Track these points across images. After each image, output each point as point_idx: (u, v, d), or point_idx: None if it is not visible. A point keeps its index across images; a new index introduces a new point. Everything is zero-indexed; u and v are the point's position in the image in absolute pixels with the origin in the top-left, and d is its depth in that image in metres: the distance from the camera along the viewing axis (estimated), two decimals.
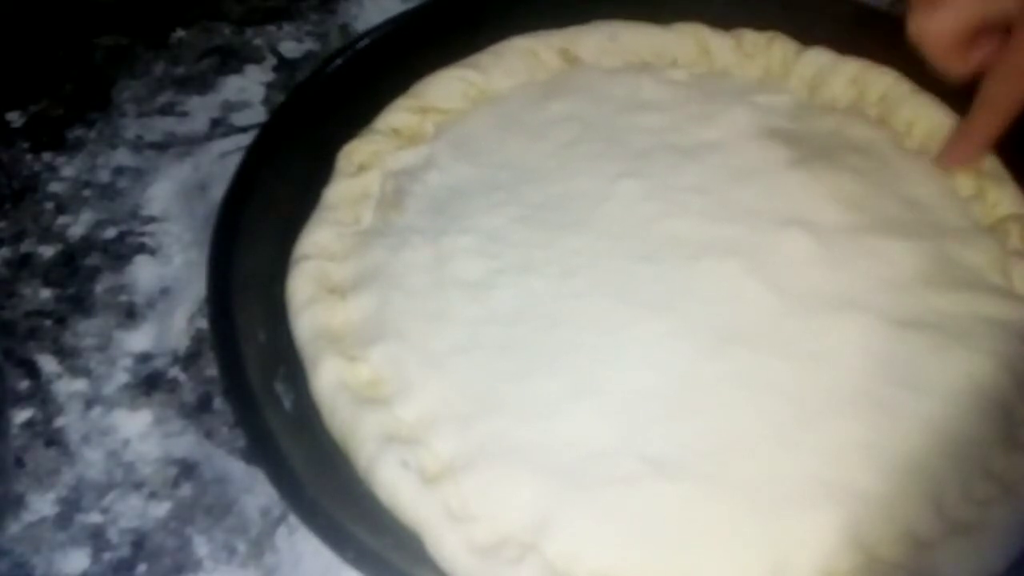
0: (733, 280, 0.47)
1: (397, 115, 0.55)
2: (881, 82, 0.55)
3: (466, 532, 0.40)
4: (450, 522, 0.40)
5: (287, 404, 0.45)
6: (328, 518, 0.40)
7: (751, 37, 0.57)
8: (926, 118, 0.53)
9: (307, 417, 0.44)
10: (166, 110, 0.61)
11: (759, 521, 0.40)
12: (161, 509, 0.45)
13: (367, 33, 0.57)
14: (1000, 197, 0.50)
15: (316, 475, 0.41)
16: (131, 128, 0.60)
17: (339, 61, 0.55)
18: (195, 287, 0.52)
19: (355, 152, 0.53)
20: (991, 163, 0.51)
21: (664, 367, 0.44)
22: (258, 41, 0.64)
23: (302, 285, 0.48)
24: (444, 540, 0.40)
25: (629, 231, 0.49)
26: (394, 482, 0.41)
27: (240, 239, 0.48)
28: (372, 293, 0.47)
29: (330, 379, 0.44)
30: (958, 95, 0.50)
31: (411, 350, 0.45)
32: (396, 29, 0.57)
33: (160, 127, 0.59)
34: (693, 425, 0.42)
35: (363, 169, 0.53)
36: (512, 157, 0.53)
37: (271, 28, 0.65)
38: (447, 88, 0.56)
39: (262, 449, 0.42)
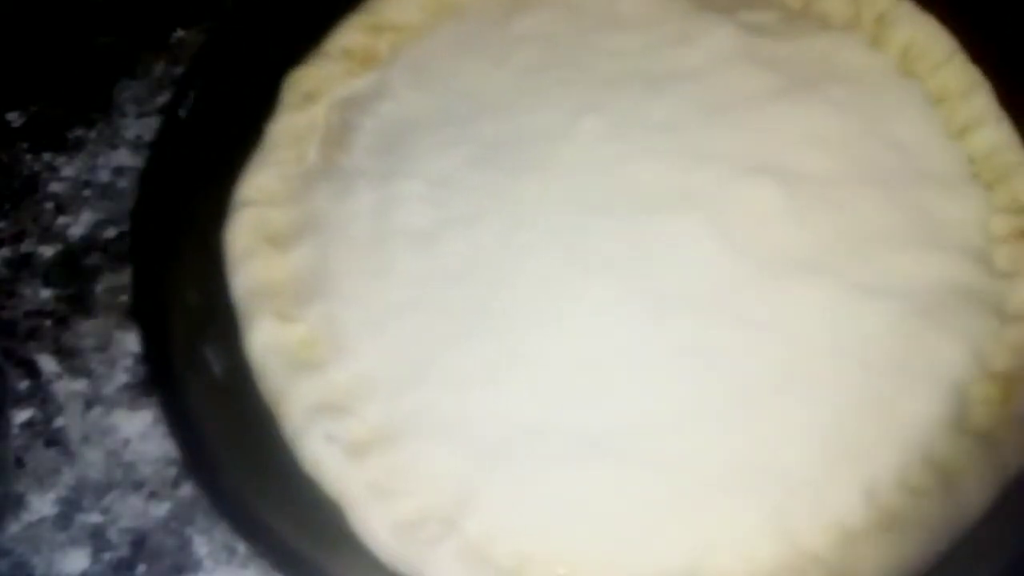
0: (690, 239, 0.44)
1: (349, 34, 0.51)
2: (879, 0, 0.51)
3: (388, 508, 0.39)
4: (373, 498, 0.39)
5: (217, 369, 0.44)
6: (243, 508, 0.39)
7: None
8: (924, 42, 0.49)
9: (239, 381, 0.43)
10: (166, 110, 0.60)
11: (684, 504, 0.39)
12: (161, 509, 0.45)
13: None
14: (994, 138, 0.47)
15: (233, 448, 0.41)
16: (131, 128, 0.60)
17: None
18: None
19: (302, 80, 0.50)
20: (984, 96, 0.48)
21: (605, 337, 0.42)
22: None
23: (241, 235, 0.45)
24: (366, 516, 0.39)
25: (586, 177, 0.46)
26: (318, 456, 0.40)
27: (173, 182, 0.46)
28: (313, 245, 0.45)
29: (263, 340, 0.43)
30: (960, 16, 0.47)
31: (347, 309, 0.43)
32: None
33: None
34: (627, 401, 0.41)
35: (310, 99, 0.49)
36: (470, 84, 0.49)
37: None
38: (403, 1, 0.52)
39: (176, 424, 0.41)
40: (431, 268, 0.44)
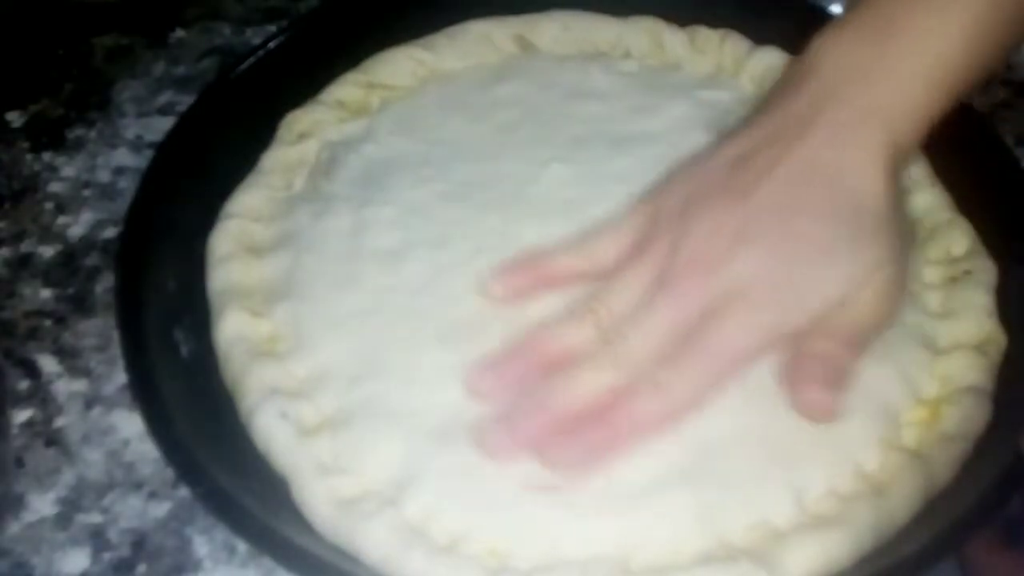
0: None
1: (344, 88, 0.56)
2: None
3: (331, 484, 0.41)
4: (318, 473, 0.41)
5: (184, 351, 0.46)
6: (190, 455, 0.41)
7: (705, 33, 0.57)
8: None
9: (202, 366, 0.46)
10: (166, 110, 0.61)
11: (618, 499, 0.40)
12: (161, 509, 0.45)
13: (323, 8, 0.59)
14: (928, 201, 0.50)
15: (192, 418, 0.43)
16: (131, 128, 0.60)
17: (291, 34, 0.57)
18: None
19: (297, 121, 0.54)
20: (919, 165, 0.51)
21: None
22: (258, 41, 0.64)
23: (223, 242, 0.49)
24: (309, 489, 0.41)
25: (548, 216, 0.49)
26: (270, 430, 0.43)
27: (167, 191, 0.50)
28: (287, 254, 0.49)
29: (231, 330, 0.46)
30: None
31: (313, 311, 0.46)
32: (354, 7, 0.58)
33: (160, 127, 0.59)
34: None
35: (303, 137, 0.54)
36: (449, 135, 0.53)
37: (271, 28, 0.65)
38: (397, 65, 0.57)
39: (140, 387, 0.43)
40: (395, 282, 0.47)
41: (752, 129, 0.44)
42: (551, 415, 0.40)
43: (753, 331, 0.40)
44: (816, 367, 0.40)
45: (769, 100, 0.45)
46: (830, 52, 0.44)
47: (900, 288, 0.42)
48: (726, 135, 0.46)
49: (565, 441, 0.40)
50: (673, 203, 0.43)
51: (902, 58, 0.43)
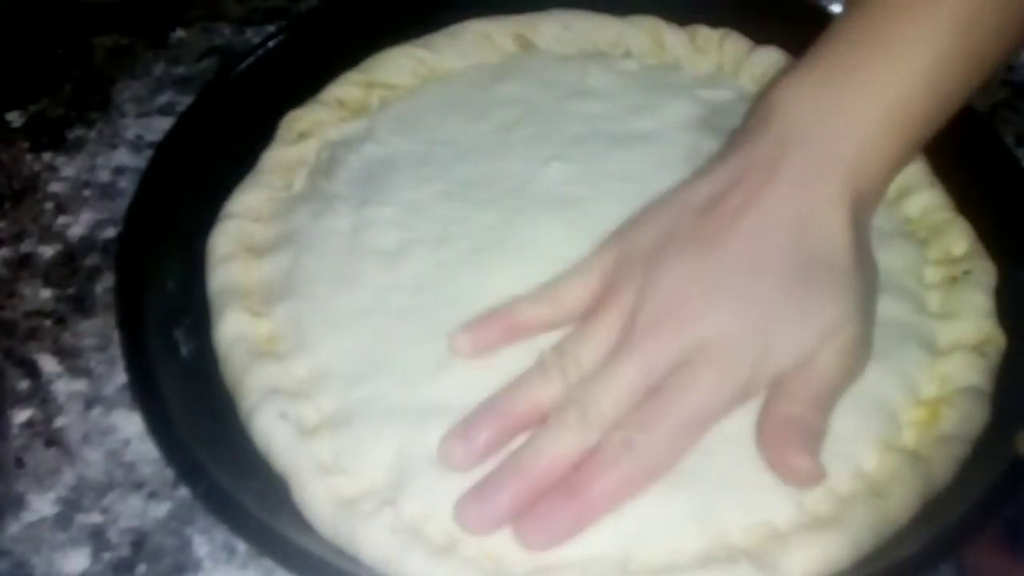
0: None
1: (344, 87, 0.56)
2: None
3: (331, 483, 0.41)
4: (318, 473, 0.41)
5: (184, 351, 0.46)
6: (190, 455, 0.41)
7: (705, 33, 0.57)
8: None
9: (203, 366, 0.46)
10: (166, 110, 0.61)
11: None
12: (161, 509, 0.45)
13: (323, 8, 0.59)
14: (928, 201, 0.50)
15: (192, 418, 0.43)
16: (131, 128, 0.60)
17: (290, 34, 0.57)
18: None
19: (297, 120, 0.54)
20: (919, 165, 0.51)
21: (549, 346, 0.44)
22: (258, 41, 0.64)
23: (223, 242, 0.49)
24: (309, 489, 0.41)
25: (549, 213, 0.49)
26: (270, 430, 0.43)
27: (167, 191, 0.50)
28: (287, 254, 0.49)
29: (231, 330, 0.46)
30: None
31: (313, 310, 0.46)
32: (354, 6, 0.58)
33: (160, 127, 0.59)
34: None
35: (303, 137, 0.54)
36: (449, 135, 0.53)
37: (271, 28, 0.65)
38: (397, 65, 0.57)
39: (140, 387, 0.44)
40: (395, 280, 0.47)
41: (718, 172, 0.44)
42: (523, 484, 0.39)
43: (722, 390, 0.40)
44: (793, 433, 0.40)
45: (734, 142, 0.46)
46: (792, 98, 0.44)
47: (865, 343, 0.42)
48: (694, 175, 0.46)
49: (540, 520, 0.39)
50: (640, 247, 0.43)
51: (862, 105, 0.43)
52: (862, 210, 0.43)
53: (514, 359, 0.43)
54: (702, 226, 0.43)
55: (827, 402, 0.41)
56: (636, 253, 0.43)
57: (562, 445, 0.40)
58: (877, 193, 0.44)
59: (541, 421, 0.41)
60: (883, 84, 0.43)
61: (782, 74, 0.46)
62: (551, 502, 0.39)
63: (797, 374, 0.41)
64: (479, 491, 0.40)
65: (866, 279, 0.43)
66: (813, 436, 0.40)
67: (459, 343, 0.44)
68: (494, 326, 0.44)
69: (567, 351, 0.42)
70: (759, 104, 0.46)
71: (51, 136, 0.59)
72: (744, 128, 0.46)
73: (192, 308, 0.48)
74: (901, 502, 0.40)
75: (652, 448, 0.40)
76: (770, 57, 0.56)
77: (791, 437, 0.40)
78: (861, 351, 0.42)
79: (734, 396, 0.41)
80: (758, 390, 0.41)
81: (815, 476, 0.40)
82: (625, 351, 0.41)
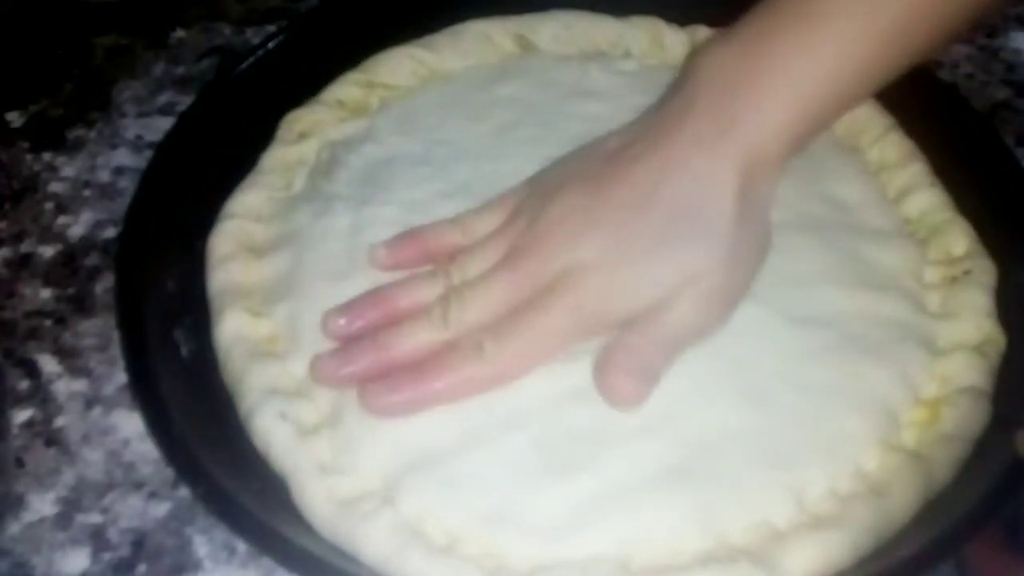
0: None
1: (344, 88, 0.56)
2: None
3: (330, 484, 0.41)
4: (317, 474, 0.41)
5: (184, 351, 0.46)
6: (190, 455, 0.41)
7: (705, 33, 0.57)
8: (864, 120, 0.53)
9: (203, 366, 0.46)
10: (166, 110, 0.61)
11: (617, 500, 0.40)
12: (161, 509, 0.45)
13: (323, 8, 0.59)
14: (928, 201, 0.50)
15: (192, 418, 0.43)
16: (131, 128, 0.60)
17: (290, 34, 0.57)
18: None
19: (297, 121, 0.54)
20: (919, 165, 0.51)
21: None
22: (258, 41, 0.64)
23: (223, 242, 0.49)
24: (308, 489, 0.41)
25: None
26: (269, 431, 0.43)
27: (167, 191, 0.50)
28: (287, 254, 0.49)
29: (231, 330, 0.46)
30: (899, 98, 0.51)
31: (311, 310, 0.46)
32: (354, 6, 0.58)
33: (160, 127, 0.59)
34: (567, 407, 0.43)
35: (303, 137, 0.54)
36: (449, 135, 0.53)
37: (271, 28, 0.65)
38: (397, 65, 0.57)
39: (140, 387, 0.44)
40: (392, 278, 0.47)
41: (632, 128, 0.48)
42: (379, 358, 0.43)
43: (574, 317, 0.43)
44: (625, 357, 0.42)
45: (658, 103, 0.48)
46: (708, 64, 0.46)
47: (725, 301, 0.44)
48: (616, 130, 0.48)
49: (383, 390, 0.43)
50: (546, 185, 0.47)
51: (768, 74, 0.44)
52: (754, 177, 0.44)
53: None
54: (600, 170, 0.46)
55: (671, 345, 0.43)
56: (541, 190, 0.47)
57: (422, 336, 0.44)
58: (772, 163, 0.45)
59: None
60: (791, 56, 0.44)
61: (708, 41, 0.48)
62: (398, 379, 0.43)
63: (650, 314, 0.43)
64: (340, 352, 0.44)
65: (744, 241, 0.44)
66: (646, 369, 0.42)
67: (378, 256, 0.47)
68: (410, 247, 0.47)
69: (457, 263, 0.45)
70: (682, 68, 0.48)
71: (51, 136, 0.59)
72: (668, 88, 0.48)
73: (192, 308, 0.48)
74: (901, 502, 0.40)
75: (498, 356, 0.43)
76: None
77: (624, 361, 0.42)
78: (719, 306, 0.44)
79: (587, 325, 0.43)
80: (611, 324, 0.43)
81: (629, 398, 0.42)
82: (500, 267, 0.45)
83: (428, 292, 0.45)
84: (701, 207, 0.43)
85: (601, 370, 0.42)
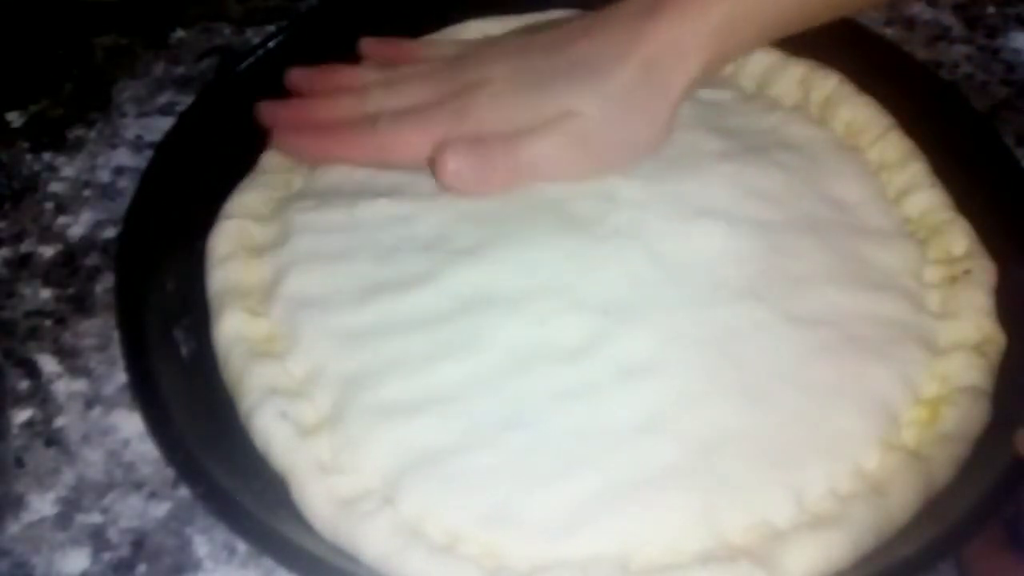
0: (635, 263, 0.47)
1: None
2: (826, 84, 0.55)
3: (331, 483, 0.41)
4: (317, 473, 0.41)
5: (184, 351, 0.46)
6: (190, 455, 0.41)
7: None
8: (864, 119, 0.53)
9: (203, 366, 0.46)
10: (166, 110, 0.61)
11: (618, 500, 0.40)
12: (161, 509, 0.45)
13: (323, 7, 0.60)
14: (928, 201, 0.50)
15: (192, 418, 0.43)
16: (131, 128, 0.60)
17: (290, 34, 0.57)
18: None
19: None
20: (919, 165, 0.51)
21: (549, 343, 0.45)
22: (258, 41, 0.64)
23: (222, 243, 0.49)
24: (308, 488, 0.41)
25: (543, 204, 0.49)
26: (270, 430, 0.43)
27: (167, 191, 0.50)
28: (285, 252, 0.49)
29: (230, 330, 0.46)
30: (899, 98, 0.52)
31: (309, 309, 0.46)
32: (354, 6, 0.59)
33: (160, 127, 0.59)
34: (567, 406, 0.43)
35: None
36: None
37: (271, 28, 0.65)
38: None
39: (140, 387, 0.44)
40: (391, 274, 0.47)
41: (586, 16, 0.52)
42: (305, 111, 0.53)
43: (457, 118, 0.49)
44: (471, 146, 0.48)
45: None
46: None
47: (589, 152, 0.48)
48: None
49: (296, 134, 0.52)
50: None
51: None
52: (664, 59, 0.47)
53: (513, 355, 0.44)
54: (534, 34, 0.52)
55: (517, 162, 0.48)
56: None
57: (343, 105, 0.52)
58: (687, 55, 0.48)
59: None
60: None
61: None
62: (312, 133, 0.52)
63: (518, 133, 0.48)
64: (286, 102, 0.53)
65: (632, 109, 0.48)
66: (482, 162, 0.48)
67: (366, 47, 0.56)
68: (389, 46, 0.56)
69: (399, 71, 0.53)
70: None
71: (51, 136, 0.59)
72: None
73: (192, 308, 0.48)
74: (901, 501, 0.41)
75: (386, 131, 0.50)
76: (770, 58, 0.56)
77: (467, 147, 0.48)
78: (582, 153, 0.48)
79: (466, 129, 0.48)
80: (487, 135, 0.48)
81: (451, 177, 0.48)
82: (422, 73, 0.52)
83: (364, 77, 0.53)
84: (600, 61, 0.48)
85: (442, 145, 0.48)
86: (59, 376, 0.50)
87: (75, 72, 0.63)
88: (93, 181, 0.57)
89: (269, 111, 0.52)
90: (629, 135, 0.48)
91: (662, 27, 0.47)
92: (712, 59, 0.48)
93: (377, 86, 0.52)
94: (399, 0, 0.60)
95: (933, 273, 0.48)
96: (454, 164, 0.48)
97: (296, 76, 0.54)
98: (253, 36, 0.65)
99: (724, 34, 0.47)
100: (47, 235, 0.55)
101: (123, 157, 0.59)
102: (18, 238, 0.55)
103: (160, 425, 0.42)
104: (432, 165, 0.48)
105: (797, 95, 0.56)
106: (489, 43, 0.53)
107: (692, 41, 0.47)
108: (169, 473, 0.46)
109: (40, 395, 0.49)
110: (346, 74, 0.54)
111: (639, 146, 0.49)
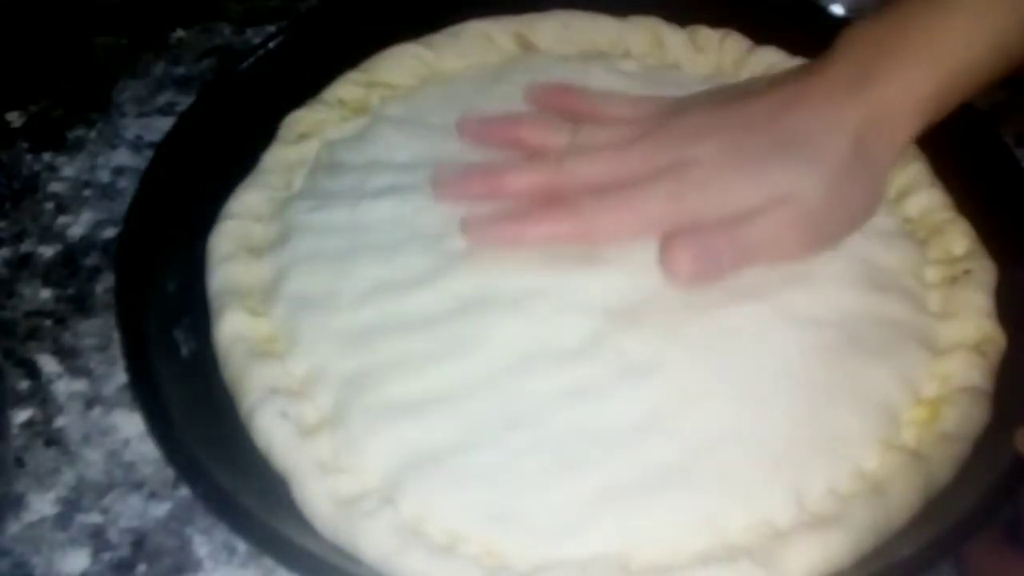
0: (635, 263, 0.47)
1: (345, 87, 0.56)
2: None
3: (331, 483, 0.41)
4: (318, 473, 0.41)
5: (184, 351, 0.46)
6: (190, 455, 0.41)
7: (705, 33, 0.57)
8: None
9: (203, 365, 0.46)
10: (166, 110, 0.61)
11: (618, 500, 0.40)
12: (161, 509, 0.45)
13: (323, 7, 0.60)
14: (928, 201, 0.50)
15: (192, 418, 0.43)
16: (131, 128, 0.60)
17: (291, 34, 0.57)
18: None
19: (298, 121, 0.54)
20: (919, 165, 0.51)
21: (549, 343, 0.45)
22: (258, 41, 0.64)
23: (223, 242, 0.49)
24: (308, 488, 0.41)
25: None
26: (270, 429, 0.43)
27: (167, 191, 0.50)
28: (286, 252, 0.49)
29: (230, 330, 0.46)
30: None
31: (310, 309, 0.46)
32: (354, 6, 0.58)
33: (160, 127, 0.59)
34: (568, 406, 0.43)
35: (304, 137, 0.54)
36: (450, 134, 0.53)
37: (271, 28, 0.65)
38: (398, 64, 0.57)
39: (140, 387, 0.44)
40: (390, 275, 0.47)
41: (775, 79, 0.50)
42: (490, 186, 0.48)
43: (671, 203, 0.46)
44: (696, 239, 0.45)
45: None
46: (849, 34, 0.47)
47: (811, 233, 0.46)
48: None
49: (486, 223, 0.47)
50: (676, 107, 0.50)
51: (903, 43, 0.46)
52: (876, 132, 0.46)
53: (513, 355, 0.44)
54: (730, 98, 0.49)
55: (743, 248, 0.45)
56: (670, 111, 0.50)
57: (533, 175, 0.48)
58: (899, 126, 0.46)
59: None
60: (930, 30, 0.46)
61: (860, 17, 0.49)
62: (502, 219, 0.47)
63: (736, 218, 0.45)
64: (464, 173, 0.49)
65: (849, 186, 0.46)
66: (710, 255, 0.45)
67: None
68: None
69: (586, 128, 0.50)
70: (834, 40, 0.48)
71: (51, 136, 0.59)
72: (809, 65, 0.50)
73: (192, 308, 0.48)
74: (901, 501, 0.41)
75: (595, 216, 0.46)
76: (770, 57, 0.56)
77: (693, 241, 0.45)
78: (804, 234, 0.46)
79: (679, 215, 0.46)
80: (701, 222, 0.45)
81: (685, 275, 0.45)
82: (618, 144, 0.48)
83: (554, 139, 0.49)
84: (813, 138, 0.45)
85: (668, 241, 0.45)
86: (59, 376, 0.50)
87: (75, 72, 0.63)
88: (93, 181, 0.57)
89: (452, 183, 0.49)
90: (847, 209, 0.47)
91: (872, 103, 0.45)
92: (921, 128, 0.47)
93: (571, 153, 0.48)
94: (399, 0, 0.60)
95: (933, 273, 0.48)
96: (687, 263, 0.45)
97: (470, 126, 0.51)
98: (253, 36, 0.65)
99: (935, 103, 0.46)
100: (47, 235, 0.55)
101: (123, 157, 0.59)
102: (18, 238, 0.55)
103: (160, 425, 0.42)
104: (661, 257, 0.46)
105: None
106: (673, 109, 0.49)
107: (904, 110, 0.46)
108: (169, 473, 0.46)
109: (40, 395, 0.49)
110: (530, 130, 0.50)
111: (857, 218, 0.47)
